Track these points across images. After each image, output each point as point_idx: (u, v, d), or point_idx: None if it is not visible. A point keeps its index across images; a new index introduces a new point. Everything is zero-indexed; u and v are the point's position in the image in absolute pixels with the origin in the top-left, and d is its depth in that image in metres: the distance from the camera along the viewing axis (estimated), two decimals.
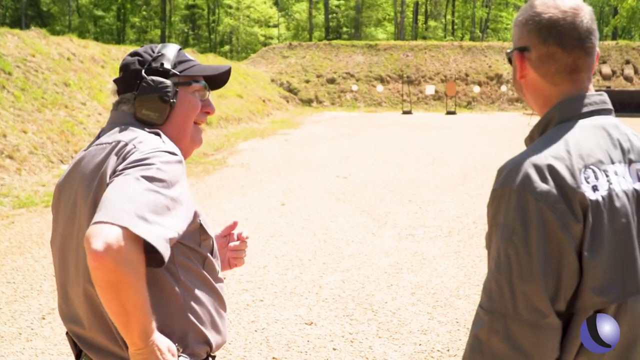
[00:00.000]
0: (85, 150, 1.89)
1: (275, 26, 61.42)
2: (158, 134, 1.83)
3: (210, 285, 1.91)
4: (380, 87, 34.24)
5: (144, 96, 1.87)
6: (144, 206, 1.56)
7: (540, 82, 1.65)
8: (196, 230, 1.84)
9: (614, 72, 34.67)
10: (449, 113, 30.29)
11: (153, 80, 1.88)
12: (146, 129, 1.86)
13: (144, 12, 62.61)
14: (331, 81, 35.42)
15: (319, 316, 5.22)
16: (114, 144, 1.78)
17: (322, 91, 34.68)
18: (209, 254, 1.91)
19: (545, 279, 1.41)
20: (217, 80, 2.11)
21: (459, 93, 33.69)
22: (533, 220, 1.42)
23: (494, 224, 1.51)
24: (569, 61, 1.60)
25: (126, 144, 1.76)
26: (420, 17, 66.49)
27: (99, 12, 59.01)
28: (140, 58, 1.94)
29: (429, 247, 7.18)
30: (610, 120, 1.61)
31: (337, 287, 5.89)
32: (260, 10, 58.51)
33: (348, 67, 36.47)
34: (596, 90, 1.65)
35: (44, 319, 5.17)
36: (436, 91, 33.71)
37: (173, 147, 1.79)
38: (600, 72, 34.30)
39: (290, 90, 34.31)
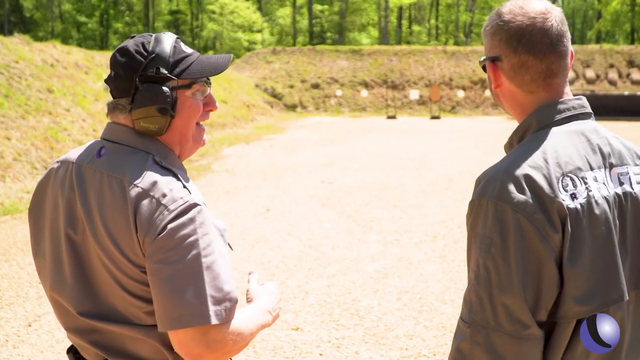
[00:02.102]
0: (87, 162, 1.74)
1: (259, 31, 61.37)
2: (174, 175, 1.68)
3: None
4: (364, 92, 34.33)
5: (141, 109, 1.69)
6: (204, 289, 1.55)
7: (515, 91, 1.62)
8: None
9: (598, 76, 34.97)
10: (433, 118, 30.42)
11: (148, 90, 1.68)
12: (155, 157, 1.71)
13: (127, 18, 62.48)
14: (315, 86, 35.48)
15: (305, 321, 5.23)
16: (131, 187, 1.63)
17: (306, 96, 34.72)
18: None
19: (525, 290, 1.40)
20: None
21: (443, 98, 33.84)
22: (511, 232, 1.41)
23: (473, 235, 1.49)
24: (542, 67, 1.56)
25: (145, 193, 1.62)
26: (404, 22, 66.81)
27: (82, 18, 58.88)
28: (131, 60, 1.71)
29: (414, 252, 7.21)
30: (589, 124, 1.59)
31: (323, 293, 5.91)
32: (244, 15, 58.44)
33: (332, 72, 36.54)
34: (577, 94, 1.63)
35: (30, 326, 5.15)
36: (420, 96, 33.83)
37: (194, 192, 1.68)
38: (585, 76, 34.60)
39: (275, 96, 34.33)
